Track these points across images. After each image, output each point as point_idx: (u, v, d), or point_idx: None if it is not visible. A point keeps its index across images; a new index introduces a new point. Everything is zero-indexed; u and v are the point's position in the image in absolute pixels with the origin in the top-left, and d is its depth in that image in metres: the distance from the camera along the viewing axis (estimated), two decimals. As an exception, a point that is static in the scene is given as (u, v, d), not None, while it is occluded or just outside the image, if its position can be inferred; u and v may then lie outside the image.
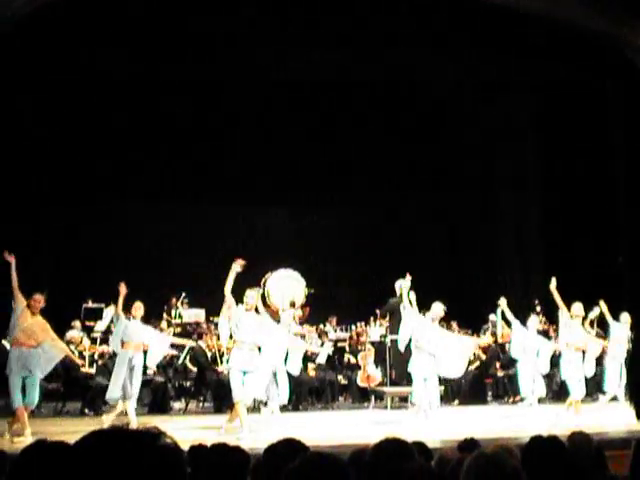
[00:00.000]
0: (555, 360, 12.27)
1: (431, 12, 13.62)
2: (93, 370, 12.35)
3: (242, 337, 9.47)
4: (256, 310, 9.73)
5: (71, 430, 8.68)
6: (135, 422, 9.81)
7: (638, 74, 13.78)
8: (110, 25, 13.70)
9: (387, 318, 13.76)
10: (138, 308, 10.16)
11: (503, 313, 12.08)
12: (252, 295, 9.68)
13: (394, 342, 12.94)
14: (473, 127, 17.79)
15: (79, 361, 11.64)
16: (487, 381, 14.26)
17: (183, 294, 15.00)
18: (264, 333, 9.65)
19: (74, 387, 12.28)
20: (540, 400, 11.65)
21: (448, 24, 14.01)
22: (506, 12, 13.13)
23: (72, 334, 12.64)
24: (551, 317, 14.49)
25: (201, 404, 12.90)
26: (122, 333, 10.07)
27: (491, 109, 17.73)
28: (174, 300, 14.93)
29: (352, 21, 13.93)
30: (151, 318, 13.55)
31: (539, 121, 17.37)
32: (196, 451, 4.69)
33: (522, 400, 12.17)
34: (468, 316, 14.69)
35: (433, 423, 9.95)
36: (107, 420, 9.85)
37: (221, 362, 12.53)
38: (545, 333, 13.77)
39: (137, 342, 10.10)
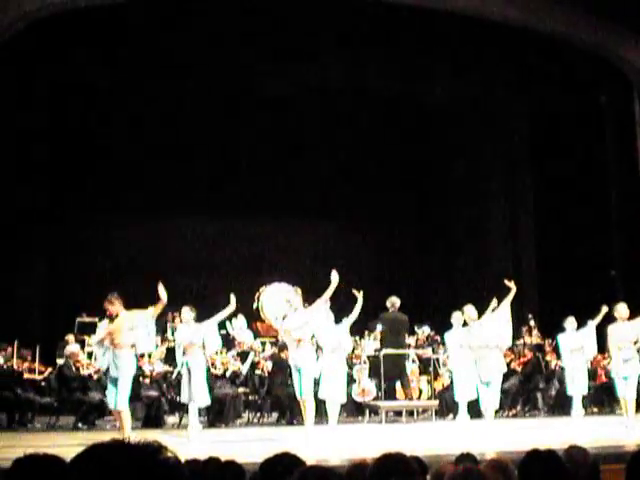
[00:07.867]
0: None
1: (429, 25, 13.76)
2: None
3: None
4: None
5: (64, 444, 8.63)
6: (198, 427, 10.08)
7: (632, 88, 13.87)
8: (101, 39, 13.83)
9: (379, 330, 13.82)
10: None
11: None
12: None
13: (387, 356, 12.91)
14: (463, 130, 17.96)
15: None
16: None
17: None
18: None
19: (68, 401, 12.20)
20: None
21: (443, 38, 14.12)
22: (501, 27, 13.24)
23: (72, 349, 12.48)
24: (544, 332, 14.51)
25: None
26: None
27: (482, 117, 17.87)
28: (169, 315, 14.78)
29: (347, 32, 14.09)
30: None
31: (534, 128, 17.49)
32: (190, 466, 4.66)
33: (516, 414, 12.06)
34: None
35: (431, 437, 9.91)
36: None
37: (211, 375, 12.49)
38: (540, 347, 13.77)
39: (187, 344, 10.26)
